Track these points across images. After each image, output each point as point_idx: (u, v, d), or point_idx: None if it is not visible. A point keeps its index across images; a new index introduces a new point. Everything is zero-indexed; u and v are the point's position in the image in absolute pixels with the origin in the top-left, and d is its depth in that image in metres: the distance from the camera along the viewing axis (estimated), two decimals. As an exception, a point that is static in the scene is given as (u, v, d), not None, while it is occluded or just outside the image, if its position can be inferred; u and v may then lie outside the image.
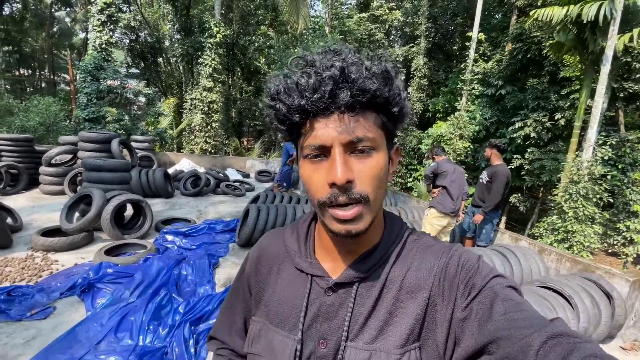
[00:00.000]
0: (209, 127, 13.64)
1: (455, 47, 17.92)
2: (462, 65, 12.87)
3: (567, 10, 7.69)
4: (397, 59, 16.59)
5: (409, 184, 14.67)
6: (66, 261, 3.87)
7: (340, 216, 0.57)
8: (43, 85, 29.00)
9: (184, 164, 10.53)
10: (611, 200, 8.67)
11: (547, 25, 10.11)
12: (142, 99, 15.97)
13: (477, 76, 12.26)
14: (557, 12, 7.84)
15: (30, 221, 5.09)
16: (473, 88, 12.25)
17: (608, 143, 8.34)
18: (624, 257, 8.79)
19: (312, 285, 0.68)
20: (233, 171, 11.23)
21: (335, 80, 0.54)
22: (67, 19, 25.41)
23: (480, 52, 13.19)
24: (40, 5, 23.09)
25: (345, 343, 0.62)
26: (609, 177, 8.59)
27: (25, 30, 23.81)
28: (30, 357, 2.34)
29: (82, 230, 4.32)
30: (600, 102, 7.58)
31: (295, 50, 14.94)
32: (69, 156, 7.32)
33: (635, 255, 8.66)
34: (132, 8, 17.42)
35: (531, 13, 8.60)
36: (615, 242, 8.87)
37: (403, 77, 16.79)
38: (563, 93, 10.63)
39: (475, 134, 12.15)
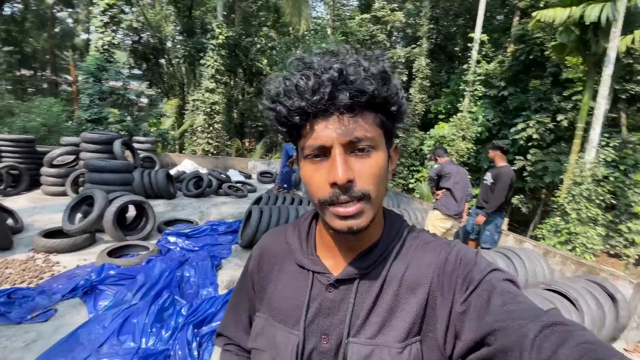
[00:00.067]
0: (211, 128, 13.64)
1: (457, 48, 17.94)
2: (464, 67, 12.86)
3: (570, 12, 7.69)
4: (399, 60, 16.59)
5: (410, 185, 14.67)
6: (68, 263, 3.85)
7: (341, 213, 0.58)
8: (45, 85, 29.02)
9: (186, 165, 10.52)
10: (613, 201, 8.65)
11: (549, 26, 10.12)
12: (145, 100, 15.99)
13: (479, 77, 12.25)
14: (559, 14, 7.84)
15: (31, 222, 5.07)
16: (475, 89, 12.24)
17: (611, 145, 8.32)
18: (625, 258, 8.77)
19: (314, 281, 0.70)
20: (235, 172, 11.22)
21: (334, 82, 0.55)
22: (69, 20, 25.47)
23: (483, 53, 13.18)
24: (41, 5, 23.12)
25: (347, 339, 0.63)
26: (611, 178, 8.57)
27: (27, 30, 23.82)
28: (31, 360, 2.32)
29: (84, 232, 4.31)
30: (602, 104, 7.57)
31: (298, 51, 14.94)
32: (71, 157, 7.30)
33: (637, 257, 8.64)
34: (134, 9, 17.43)
35: (533, 14, 8.60)
36: (617, 244, 8.85)
37: (405, 78, 16.81)
38: (565, 94, 10.61)
39: (478, 135, 12.14)
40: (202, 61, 13.77)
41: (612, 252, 9.50)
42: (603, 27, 7.47)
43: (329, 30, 17.24)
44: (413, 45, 16.72)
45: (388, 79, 0.58)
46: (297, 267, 0.73)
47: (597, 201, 7.14)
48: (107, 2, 10.85)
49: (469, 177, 5.34)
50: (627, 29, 7.92)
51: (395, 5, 18.87)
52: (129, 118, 12.53)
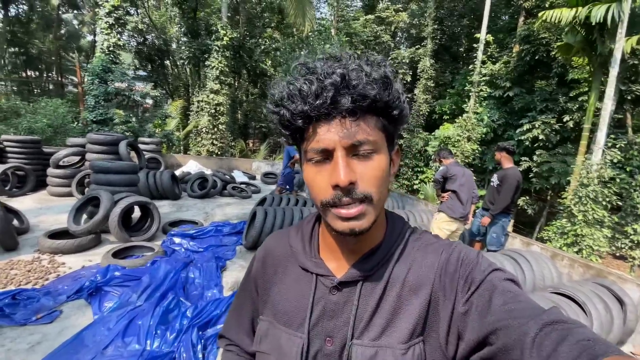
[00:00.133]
0: (215, 129, 13.67)
1: (461, 49, 17.87)
2: (469, 67, 12.81)
3: (576, 12, 7.64)
4: (404, 61, 16.55)
5: (415, 186, 14.63)
6: (73, 264, 3.86)
7: (343, 214, 0.59)
8: (51, 87, 29.25)
9: (191, 165, 10.55)
10: (620, 203, 8.57)
11: (555, 26, 10.06)
12: (150, 101, 16.06)
13: (484, 78, 12.19)
14: (565, 14, 7.79)
15: (37, 223, 5.10)
16: (481, 90, 12.17)
17: (617, 146, 8.25)
18: (631, 260, 8.69)
19: (317, 284, 0.70)
20: (239, 173, 11.23)
21: (337, 86, 0.56)
22: (75, 22, 25.64)
23: (488, 53, 13.12)
24: (47, 7, 23.28)
25: (351, 341, 0.64)
26: (617, 180, 8.50)
27: (32, 32, 24.00)
28: (36, 362, 2.31)
29: (89, 233, 4.32)
30: (609, 105, 7.51)
31: (302, 52, 14.94)
32: (77, 158, 7.34)
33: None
34: (139, 11, 17.54)
35: (540, 14, 8.56)
36: (622, 246, 8.77)
37: (409, 78, 16.77)
38: (571, 95, 10.53)
39: (483, 136, 12.08)
40: (206, 62, 13.81)
41: (617, 254, 9.41)
42: (609, 28, 7.41)
43: (333, 31, 17.21)
44: (417, 46, 16.68)
45: (389, 83, 0.59)
46: (301, 269, 0.74)
47: (604, 203, 7.07)
48: (113, 3, 10.91)
49: (474, 178, 5.30)
50: (632, 30, 7.87)
51: (400, 5, 18.86)
52: (134, 119, 12.60)
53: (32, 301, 2.93)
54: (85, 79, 11.68)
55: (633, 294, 3.61)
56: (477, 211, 5.34)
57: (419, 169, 14.95)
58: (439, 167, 5.16)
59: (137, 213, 5.31)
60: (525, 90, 12.19)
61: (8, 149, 7.21)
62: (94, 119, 10.82)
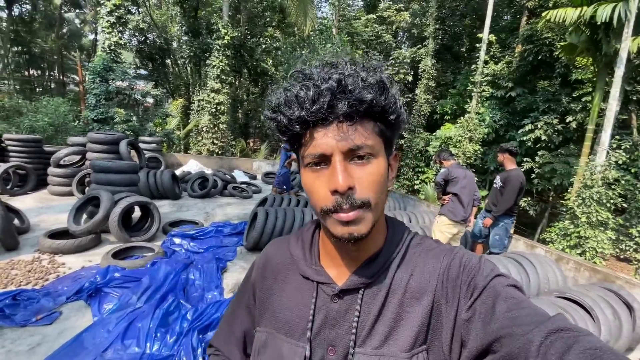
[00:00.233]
0: (216, 128, 13.65)
1: (463, 49, 17.82)
2: (471, 67, 12.75)
3: (581, 12, 7.58)
4: (405, 61, 16.50)
5: (416, 187, 14.59)
6: (73, 264, 3.83)
7: (343, 218, 0.58)
8: (52, 85, 29.28)
9: (191, 165, 10.53)
10: (624, 205, 8.51)
11: (558, 26, 10.00)
12: (150, 100, 16.04)
13: (486, 78, 12.13)
14: (570, 13, 7.73)
15: (38, 222, 5.07)
16: (483, 90, 12.12)
17: (622, 147, 8.19)
18: (635, 263, 8.63)
19: (318, 292, 0.70)
20: (240, 173, 11.19)
21: (333, 91, 0.56)
22: (77, 21, 25.67)
23: (490, 53, 13.07)
24: (49, 6, 23.30)
25: (353, 349, 0.63)
26: (622, 181, 8.44)
27: (35, 31, 24.06)
28: (36, 364, 2.29)
29: (89, 233, 4.29)
30: (614, 105, 7.45)
31: (303, 52, 14.90)
32: (78, 157, 7.32)
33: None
34: (140, 10, 17.52)
35: (543, 14, 8.50)
36: (627, 248, 8.71)
37: (411, 78, 16.72)
38: (574, 95, 10.47)
39: (485, 136, 12.03)
40: (207, 61, 13.80)
41: (621, 256, 9.35)
42: (615, 27, 7.36)
43: (334, 31, 17.18)
44: (419, 46, 16.63)
45: (386, 88, 0.59)
46: (301, 277, 0.73)
47: (608, 204, 7.02)
48: (114, 2, 10.90)
49: (475, 179, 5.25)
50: (638, 30, 7.80)
51: (401, 5, 18.80)
52: (134, 118, 12.57)
53: (32, 302, 2.91)
54: (87, 78, 11.66)
55: (641, 298, 3.55)
56: (479, 212, 5.30)
57: (419, 169, 14.91)
58: (439, 168, 5.10)
59: (137, 213, 5.28)
60: (527, 91, 12.14)
61: (10, 147, 7.19)
62: (95, 118, 10.81)
